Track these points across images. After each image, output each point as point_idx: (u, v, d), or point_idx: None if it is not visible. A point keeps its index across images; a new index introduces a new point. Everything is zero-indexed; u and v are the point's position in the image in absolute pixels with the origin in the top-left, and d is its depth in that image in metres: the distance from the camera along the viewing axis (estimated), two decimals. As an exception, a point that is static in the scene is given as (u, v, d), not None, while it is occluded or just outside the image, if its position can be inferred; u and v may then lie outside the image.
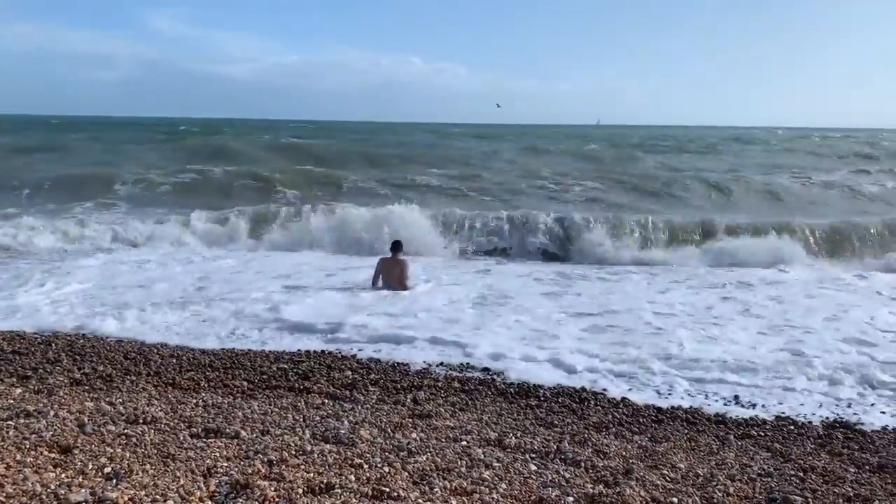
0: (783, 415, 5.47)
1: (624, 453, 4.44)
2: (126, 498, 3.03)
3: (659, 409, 5.49)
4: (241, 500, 3.19)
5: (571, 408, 5.48)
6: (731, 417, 5.35)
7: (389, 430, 4.65)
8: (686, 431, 5.03)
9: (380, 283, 10.27)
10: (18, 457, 3.63)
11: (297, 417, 4.82)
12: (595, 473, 4.03)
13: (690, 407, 5.57)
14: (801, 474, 4.21)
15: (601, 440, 4.69)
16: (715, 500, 3.69)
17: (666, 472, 4.11)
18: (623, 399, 5.75)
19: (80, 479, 3.30)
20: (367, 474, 3.74)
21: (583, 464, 4.17)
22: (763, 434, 5.01)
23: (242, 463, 3.78)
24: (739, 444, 4.81)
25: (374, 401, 5.46)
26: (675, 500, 3.66)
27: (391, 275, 10.21)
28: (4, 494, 2.98)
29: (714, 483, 3.95)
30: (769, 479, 4.09)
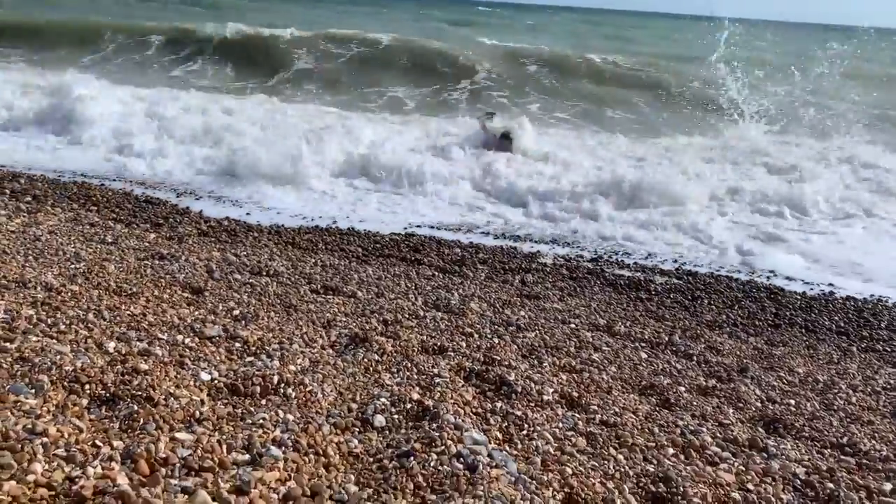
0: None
1: (738, 353, 4.32)
2: (255, 337, 3.20)
3: (776, 314, 5.27)
4: (360, 351, 3.31)
5: (684, 304, 5.34)
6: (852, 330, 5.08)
7: (498, 305, 4.69)
8: (805, 339, 4.83)
9: None
10: (156, 292, 3.89)
11: (410, 285, 4.93)
12: (708, 368, 3.95)
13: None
14: (931, 393, 3.98)
15: (714, 337, 4.57)
16: (836, 407, 3.55)
17: (783, 374, 3.98)
18: (738, 300, 5.54)
19: (213, 318, 3.50)
20: (478, 343, 3.80)
21: (695, 357, 4.09)
22: (890, 349, 4.74)
23: (360, 319, 3.92)
24: (863, 356, 4.57)
25: (482, 278, 5.50)
26: (792, 402, 3.54)
27: None
28: (147, 323, 3.21)
29: (835, 391, 3.79)
30: (895, 394, 3.89)
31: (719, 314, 5.18)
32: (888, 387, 3.99)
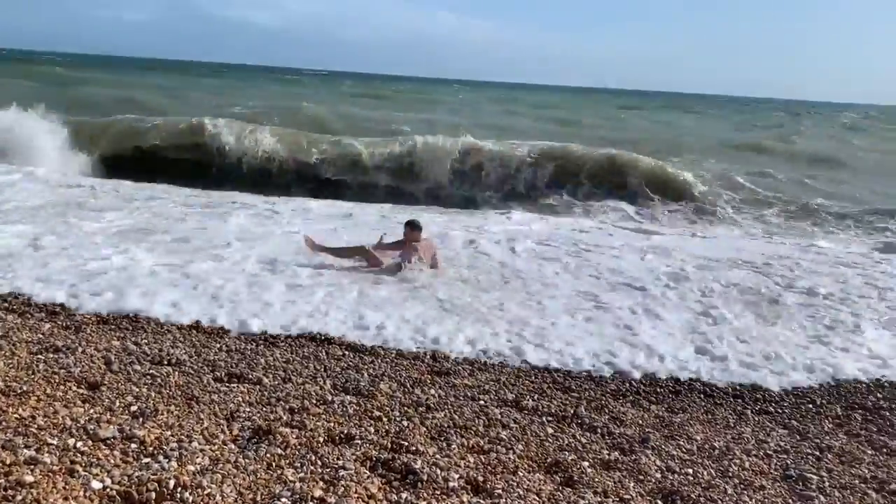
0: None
1: (641, 422, 4.46)
2: (153, 437, 3.10)
3: (677, 381, 5.49)
4: (263, 446, 3.25)
5: (590, 375, 5.49)
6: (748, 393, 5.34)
7: (408, 384, 4.70)
8: (703, 404, 5.03)
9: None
10: (49, 390, 3.72)
11: (319, 367, 4.89)
12: (611, 440, 4.06)
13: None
14: (818, 453, 4.21)
15: (618, 407, 4.71)
16: (730, 473, 3.71)
17: (682, 442, 4.13)
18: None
19: (109, 416, 3.38)
20: (387, 427, 3.79)
21: (599, 430, 4.20)
22: (780, 410, 5.00)
23: (265, 409, 3.85)
24: (756, 419, 4.80)
25: (393, 355, 5.51)
26: (690, 470, 3.68)
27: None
28: (36, 426, 3.07)
29: (730, 457, 3.97)
30: (785, 456, 4.09)
31: (623, 383, 5.35)
32: (778, 449, 4.20)
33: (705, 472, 3.68)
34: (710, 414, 4.82)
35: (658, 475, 3.57)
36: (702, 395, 5.21)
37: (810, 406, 5.11)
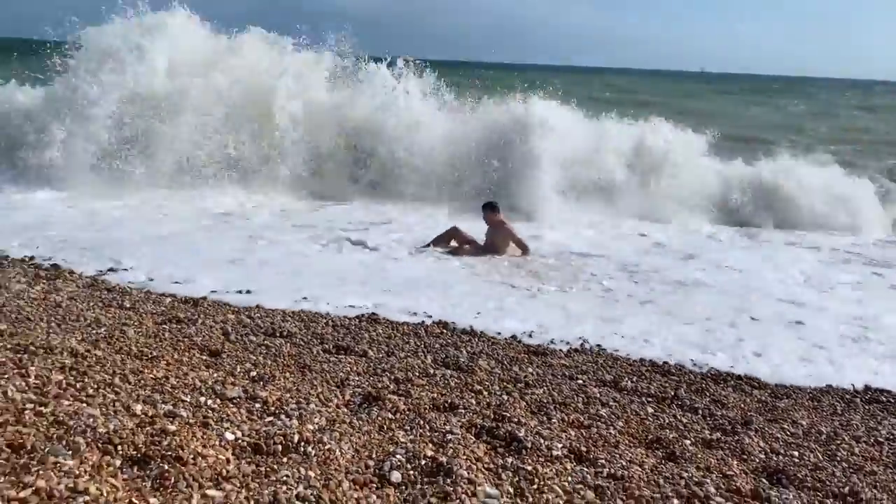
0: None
1: (743, 405, 4.41)
2: (274, 398, 3.32)
3: (780, 366, 5.36)
4: (374, 410, 3.43)
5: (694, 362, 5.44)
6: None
7: (506, 362, 4.80)
8: (809, 391, 4.91)
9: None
10: (176, 356, 4.03)
11: (419, 343, 5.06)
12: (712, 421, 4.05)
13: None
14: (934, 443, 4.05)
15: (719, 391, 4.66)
16: (839, 458, 3.63)
17: (787, 426, 4.07)
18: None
19: (232, 379, 3.63)
20: (487, 400, 3.91)
21: (700, 411, 4.19)
22: (892, 400, 4.82)
23: (372, 378, 4.04)
24: (866, 408, 4.65)
25: (489, 335, 5.62)
26: (795, 453, 3.63)
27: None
28: (170, 386, 3.34)
29: (838, 441, 3.88)
30: (898, 444, 3.97)
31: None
32: (891, 437, 4.07)
33: (812, 455, 3.62)
34: (816, 401, 4.71)
35: (762, 455, 3.54)
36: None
37: (924, 396, 4.91)
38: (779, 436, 3.89)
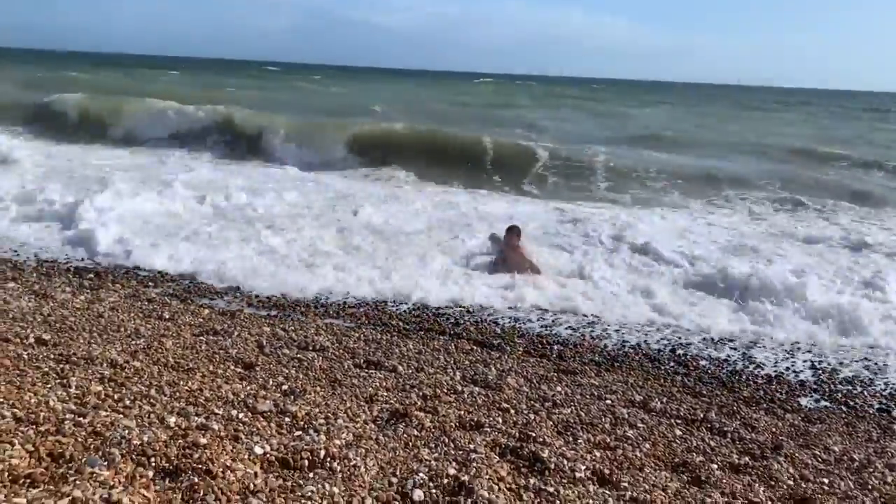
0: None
1: (774, 429, 4.36)
2: (303, 412, 3.40)
3: (815, 390, 5.28)
4: (401, 426, 3.48)
5: (721, 380, 5.39)
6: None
7: (535, 380, 4.82)
8: (844, 415, 4.83)
9: None
10: (211, 368, 4.14)
11: (448, 360, 5.11)
12: (742, 445, 4.01)
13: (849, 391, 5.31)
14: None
15: (750, 413, 4.62)
16: (870, 486, 3.57)
17: (818, 452, 4.01)
18: (778, 375, 5.56)
19: (264, 393, 3.72)
20: (514, 418, 3.94)
21: (729, 434, 4.15)
22: (931, 428, 4.71)
23: (401, 394, 4.10)
24: (903, 435, 4.56)
25: (520, 352, 5.64)
26: (826, 480, 3.58)
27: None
28: (204, 398, 3.44)
29: (870, 469, 3.81)
30: (934, 474, 3.88)
31: (757, 389, 5.22)
32: (927, 466, 3.98)
33: (842, 483, 3.57)
34: (851, 426, 4.63)
35: (790, 482, 3.50)
36: (843, 407, 5.00)
37: (965, 424, 4.78)
38: (809, 462, 3.84)
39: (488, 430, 3.66)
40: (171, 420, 2.99)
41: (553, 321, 6.65)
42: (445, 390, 4.31)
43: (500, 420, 3.87)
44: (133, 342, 4.48)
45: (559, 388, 4.68)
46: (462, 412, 3.90)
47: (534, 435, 3.62)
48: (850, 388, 5.37)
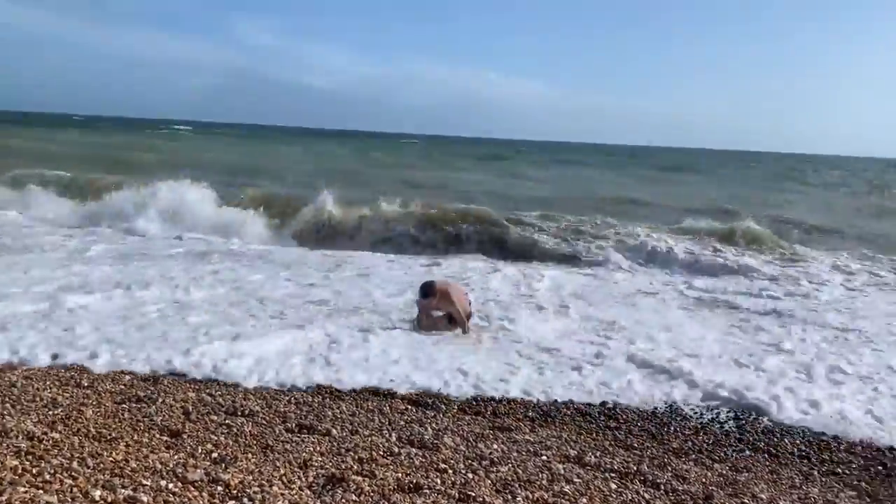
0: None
1: (704, 480, 4.46)
2: (236, 481, 3.28)
3: (740, 439, 5.45)
4: (338, 492, 3.40)
5: (651, 432, 5.49)
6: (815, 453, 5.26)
7: (471, 439, 4.80)
8: (768, 464, 4.99)
9: None
10: (136, 437, 3.96)
11: (383, 420, 5.03)
12: (675, 497, 4.08)
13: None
14: (889, 515, 4.14)
15: (680, 465, 4.71)
16: (798, 533, 3.69)
17: (747, 501, 4.12)
18: (704, 426, 5.71)
19: (193, 461, 3.58)
20: (453, 479, 3.90)
21: (662, 486, 4.22)
22: (848, 472, 4.91)
23: (336, 458, 4.01)
24: (823, 480, 4.74)
25: (455, 410, 5.62)
26: (756, 528, 3.67)
27: None
28: (130, 469, 3.28)
29: (797, 516, 3.94)
30: (855, 518, 4.04)
31: (685, 441, 5.34)
32: (847, 510, 4.14)
33: (772, 531, 3.67)
34: (776, 474, 4.78)
35: (724, 532, 3.57)
36: (766, 455, 5.17)
37: (880, 468, 5.01)
38: (740, 511, 3.93)
39: (427, 491, 3.61)
40: (97, 494, 2.84)
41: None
42: (382, 452, 4.24)
43: (439, 481, 3.83)
44: (50, 412, 4.25)
45: (495, 446, 4.67)
46: (400, 474, 3.84)
47: (473, 495, 3.60)
48: (770, 437, 5.56)
